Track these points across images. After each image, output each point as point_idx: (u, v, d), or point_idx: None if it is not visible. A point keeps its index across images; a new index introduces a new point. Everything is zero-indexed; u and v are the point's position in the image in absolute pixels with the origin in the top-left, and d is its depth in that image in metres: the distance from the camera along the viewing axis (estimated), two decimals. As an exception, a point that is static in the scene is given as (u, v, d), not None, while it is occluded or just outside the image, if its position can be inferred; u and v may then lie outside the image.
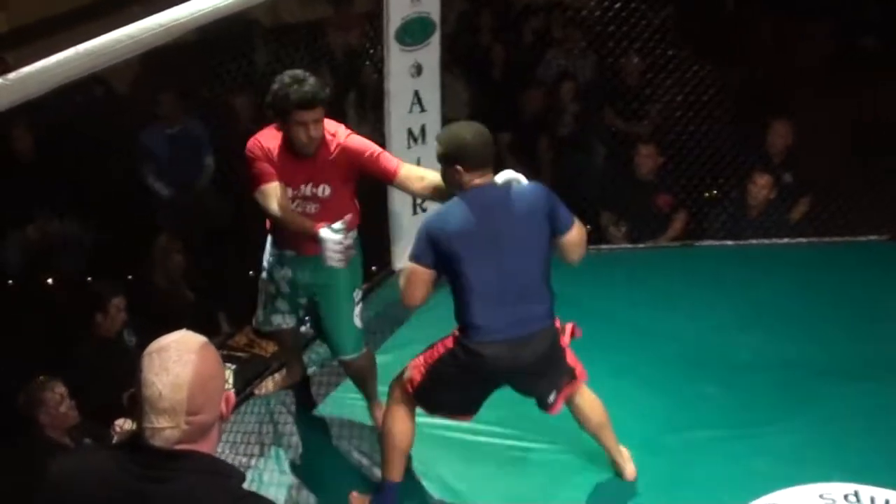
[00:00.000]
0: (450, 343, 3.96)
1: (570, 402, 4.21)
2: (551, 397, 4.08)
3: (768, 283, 6.08)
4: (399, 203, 6.08)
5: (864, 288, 5.99)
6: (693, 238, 6.82)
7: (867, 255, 6.55)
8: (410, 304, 3.97)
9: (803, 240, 6.70)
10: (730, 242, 6.71)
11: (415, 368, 4.06)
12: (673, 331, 5.55)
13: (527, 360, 3.89)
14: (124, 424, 4.94)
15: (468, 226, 3.76)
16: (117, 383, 5.25)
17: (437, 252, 3.79)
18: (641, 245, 6.80)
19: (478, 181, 3.81)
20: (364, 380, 4.78)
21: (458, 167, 3.81)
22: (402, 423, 4.10)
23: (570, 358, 4.08)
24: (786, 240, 6.69)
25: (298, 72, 4.16)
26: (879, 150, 6.86)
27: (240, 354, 5.90)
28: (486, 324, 3.83)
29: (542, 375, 4.02)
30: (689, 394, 5.00)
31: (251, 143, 4.28)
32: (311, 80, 4.11)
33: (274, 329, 4.83)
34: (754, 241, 6.67)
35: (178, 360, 2.16)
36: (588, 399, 4.27)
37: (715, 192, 7.04)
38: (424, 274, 3.83)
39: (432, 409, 4.12)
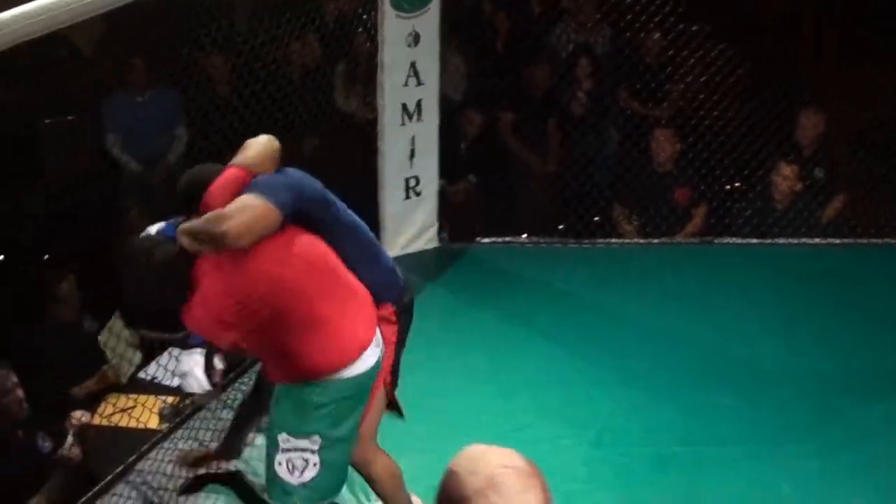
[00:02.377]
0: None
1: None
2: None
3: (796, 286, 6.11)
4: (390, 187, 6.09)
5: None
6: (713, 235, 6.84)
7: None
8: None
9: (836, 240, 6.72)
10: (754, 241, 6.73)
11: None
12: (688, 336, 5.59)
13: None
14: (82, 417, 4.95)
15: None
16: (74, 372, 5.29)
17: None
18: (656, 241, 6.82)
19: None
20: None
21: None
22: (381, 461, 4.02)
23: None
24: (816, 240, 6.71)
25: None
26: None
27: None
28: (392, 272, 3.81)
29: None
30: (704, 405, 5.02)
31: None
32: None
33: None
34: (781, 241, 6.69)
35: (522, 489, 1.89)
36: None
37: (738, 184, 7.05)
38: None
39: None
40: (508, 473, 1.88)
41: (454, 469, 1.90)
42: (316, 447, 3.57)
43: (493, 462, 1.91)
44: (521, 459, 1.93)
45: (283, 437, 3.62)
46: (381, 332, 3.66)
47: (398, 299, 3.79)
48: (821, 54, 7.38)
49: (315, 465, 3.59)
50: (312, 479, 3.61)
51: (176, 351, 5.57)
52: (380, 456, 3.99)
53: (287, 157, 5.72)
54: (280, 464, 3.64)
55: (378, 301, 3.65)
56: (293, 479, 3.61)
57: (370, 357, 3.51)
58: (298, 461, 3.60)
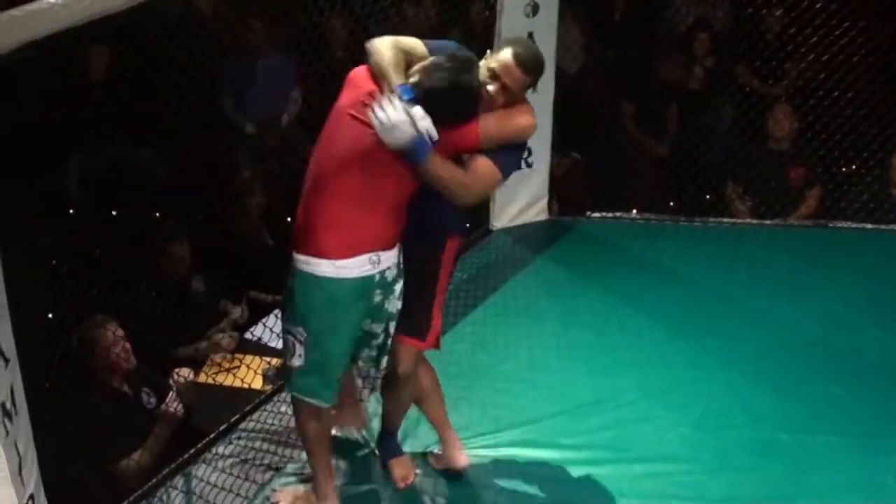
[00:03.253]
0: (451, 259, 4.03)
1: None
2: None
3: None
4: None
5: None
6: (828, 218, 6.70)
7: None
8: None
9: (957, 228, 6.54)
10: (869, 226, 6.58)
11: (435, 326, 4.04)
12: (796, 320, 5.48)
13: None
14: (188, 374, 5.05)
15: None
16: (179, 332, 5.39)
17: None
18: (769, 221, 6.70)
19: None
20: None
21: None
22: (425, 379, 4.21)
23: None
24: (936, 227, 6.54)
25: None
26: None
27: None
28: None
29: None
30: (810, 393, 4.92)
31: None
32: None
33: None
34: (897, 227, 6.54)
35: None
36: None
37: (855, 167, 6.90)
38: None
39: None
40: None
41: None
42: (301, 339, 3.77)
43: None
44: None
45: (281, 315, 3.97)
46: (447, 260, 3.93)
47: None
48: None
49: (300, 356, 3.79)
50: (299, 369, 3.81)
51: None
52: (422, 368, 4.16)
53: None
54: (282, 339, 3.95)
55: (451, 230, 3.92)
56: (287, 361, 3.87)
57: (365, 268, 3.64)
58: (290, 345, 3.82)
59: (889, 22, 7.00)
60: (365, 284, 3.68)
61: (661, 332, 5.37)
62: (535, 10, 5.81)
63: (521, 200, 6.26)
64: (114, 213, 6.33)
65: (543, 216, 6.40)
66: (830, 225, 6.64)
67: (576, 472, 4.40)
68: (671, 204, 6.94)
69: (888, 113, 6.76)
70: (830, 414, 4.79)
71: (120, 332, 4.73)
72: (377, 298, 3.75)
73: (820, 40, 6.84)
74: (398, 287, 3.82)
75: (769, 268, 6.00)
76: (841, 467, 4.44)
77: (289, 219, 6.33)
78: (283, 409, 4.80)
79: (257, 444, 4.65)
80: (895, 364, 5.16)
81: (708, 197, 6.89)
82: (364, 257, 3.64)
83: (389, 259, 3.72)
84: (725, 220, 6.70)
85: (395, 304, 3.84)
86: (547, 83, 5.92)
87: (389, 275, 3.74)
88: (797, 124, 6.83)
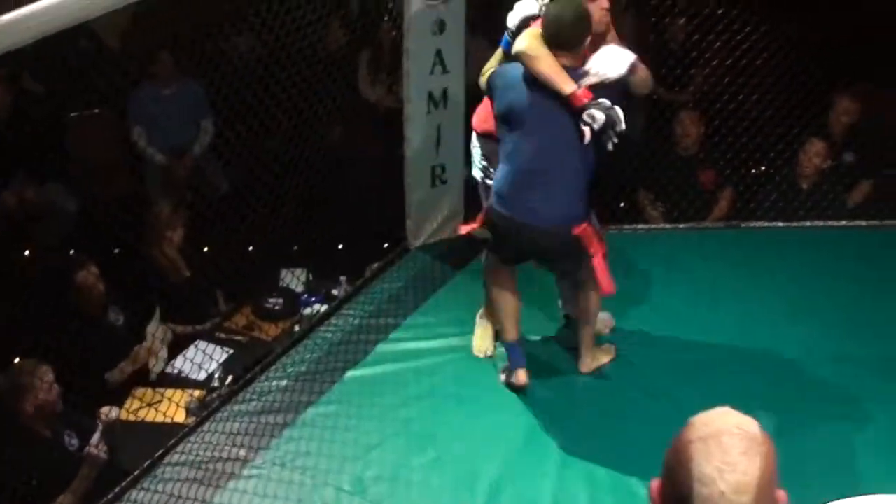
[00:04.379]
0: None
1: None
2: (581, 274, 4.77)
3: (823, 269, 6.03)
4: (416, 175, 6.06)
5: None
6: (740, 219, 6.78)
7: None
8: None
9: (863, 223, 6.64)
10: (781, 224, 6.66)
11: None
12: (714, 321, 5.52)
13: (533, 247, 4.70)
14: (110, 412, 4.96)
15: (522, 91, 4.46)
16: (101, 367, 5.31)
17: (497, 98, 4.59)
18: (682, 225, 6.75)
19: (563, 62, 4.40)
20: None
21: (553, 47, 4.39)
22: (498, 289, 4.88)
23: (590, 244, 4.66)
24: (843, 222, 6.64)
25: None
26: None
27: (238, 338, 5.93)
28: (507, 196, 4.58)
29: (555, 262, 4.92)
30: (731, 391, 4.92)
31: None
32: None
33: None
34: (808, 224, 6.62)
35: (744, 451, 1.86)
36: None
37: (765, 167, 7.00)
38: None
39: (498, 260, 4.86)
40: (738, 434, 1.87)
41: (692, 419, 1.93)
42: None
43: (729, 420, 1.91)
44: (758, 428, 1.91)
45: None
46: None
47: None
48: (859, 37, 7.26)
49: None
50: None
51: (202, 344, 5.61)
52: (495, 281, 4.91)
53: (312, 146, 5.77)
54: None
55: None
56: None
57: None
58: None
59: (788, 25, 7.12)
60: None
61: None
62: (441, 27, 5.81)
63: (438, 217, 6.24)
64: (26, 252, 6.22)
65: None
66: (743, 225, 6.70)
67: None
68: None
69: (792, 112, 6.85)
70: (751, 410, 4.79)
71: (50, 377, 4.64)
72: None
73: (723, 46, 6.90)
74: None
75: (685, 271, 6.05)
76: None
77: (206, 249, 6.35)
78: (208, 439, 4.74)
79: (184, 476, 4.58)
80: (813, 359, 5.24)
81: (623, 204, 6.94)
82: None
83: None
84: (640, 226, 6.74)
85: None
86: (457, 99, 5.94)
87: None
88: (704, 129, 6.91)
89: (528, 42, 4.40)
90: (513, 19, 4.63)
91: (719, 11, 6.78)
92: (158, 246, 6.07)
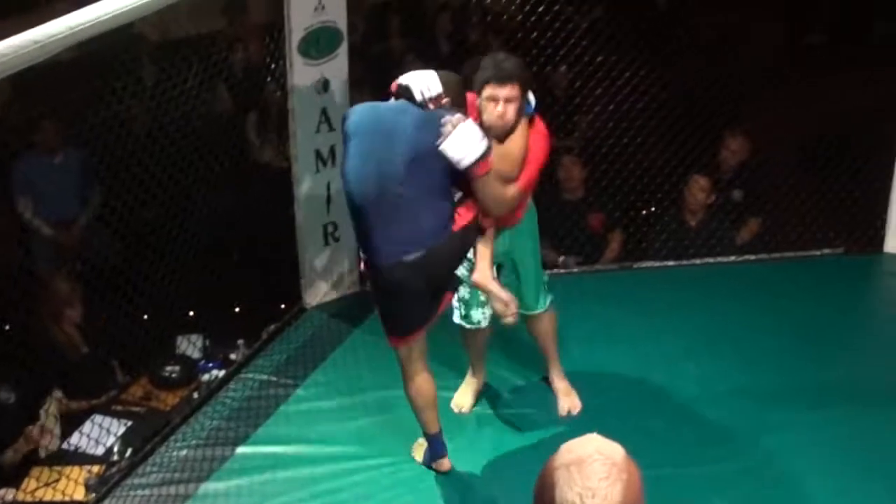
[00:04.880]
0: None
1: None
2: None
3: (715, 305, 6.14)
4: (308, 234, 6.05)
5: (820, 307, 6.09)
6: (632, 260, 6.87)
7: (821, 271, 6.65)
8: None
9: (752, 257, 6.79)
10: (672, 263, 6.77)
11: None
12: (610, 362, 5.58)
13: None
14: (5, 495, 4.83)
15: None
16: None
17: None
18: (576, 270, 6.81)
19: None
20: (549, 337, 5.15)
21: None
22: (412, 384, 4.62)
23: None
24: (732, 258, 6.77)
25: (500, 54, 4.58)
26: (830, 156, 7.01)
27: (135, 409, 5.82)
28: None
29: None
30: (631, 429, 4.94)
31: None
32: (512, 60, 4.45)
33: (473, 327, 4.99)
34: (698, 261, 6.74)
35: (606, 476, 1.90)
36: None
37: (653, 208, 7.11)
38: None
39: (404, 333, 4.52)
40: (599, 459, 1.91)
41: (560, 448, 1.99)
42: None
43: (591, 446, 1.95)
44: (622, 455, 1.94)
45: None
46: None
47: None
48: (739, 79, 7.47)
49: None
50: None
51: (99, 418, 5.49)
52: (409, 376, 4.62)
53: (203, 209, 5.72)
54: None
55: None
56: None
57: None
58: None
59: (665, 69, 7.30)
60: None
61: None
62: (325, 86, 5.83)
63: (332, 275, 6.22)
64: None
65: (355, 289, 6.36)
66: (635, 266, 6.80)
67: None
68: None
69: (675, 154, 7.00)
70: (653, 447, 4.83)
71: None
72: None
73: (604, 92, 7.06)
74: None
75: (580, 314, 6.08)
76: (666, 499, 4.50)
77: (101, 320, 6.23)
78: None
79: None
80: (709, 395, 5.31)
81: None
82: None
83: None
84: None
85: None
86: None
87: None
88: (586, 172, 7.00)
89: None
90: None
91: (598, 59, 6.91)
92: (56, 323, 5.94)
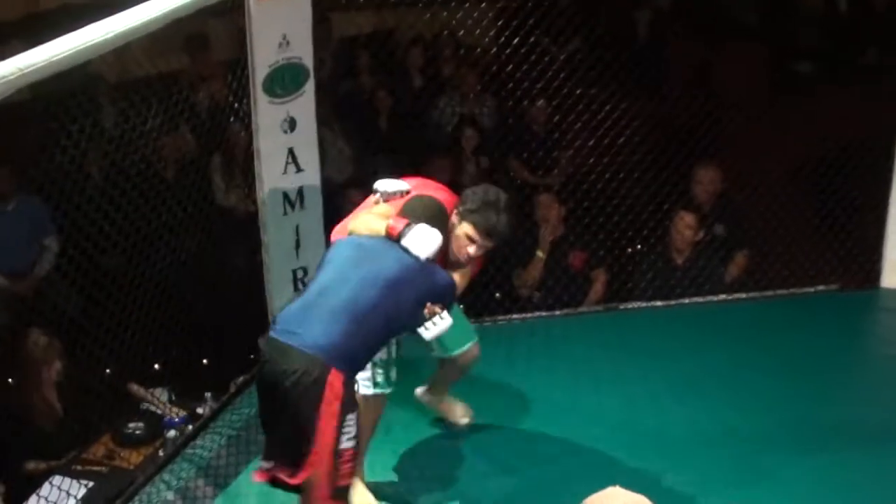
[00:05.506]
0: None
1: None
2: (266, 465, 4.09)
3: (704, 346, 6.24)
4: (277, 280, 6.08)
5: (815, 346, 6.18)
6: (617, 301, 6.94)
7: (815, 308, 6.76)
8: None
9: (742, 295, 6.87)
10: (659, 303, 6.84)
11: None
12: (598, 408, 5.64)
13: (271, 377, 3.98)
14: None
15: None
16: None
17: None
18: (558, 312, 6.86)
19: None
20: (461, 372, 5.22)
21: None
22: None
23: (323, 432, 3.97)
24: (722, 296, 6.85)
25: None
26: (820, 189, 7.10)
27: (97, 469, 5.80)
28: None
29: (277, 418, 4.04)
30: (620, 479, 4.99)
31: None
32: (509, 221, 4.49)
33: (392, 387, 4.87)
34: (686, 300, 6.82)
35: None
36: None
37: (639, 246, 7.17)
38: None
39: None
40: None
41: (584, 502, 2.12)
42: None
43: (618, 501, 2.10)
44: None
45: None
46: None
47: None
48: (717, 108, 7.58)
49: None
50: None
51: (58, 479, 5.47)
52: None
53: (166, 256, 5.74)
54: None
55: None
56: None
57: None
58: None
59: (648, 100, 7.39)
60: None
61: (456, 434, 5.45)
62: (292, 125, 5.87)
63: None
64: None
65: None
66: (621, 307, 6.86)
67: None
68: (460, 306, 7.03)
69: (660, 191, 7.08)
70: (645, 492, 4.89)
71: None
72: None
73: (584, 126, 7.14)
74: None
75: (565, 358, 6.16)
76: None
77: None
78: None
79: None
80: (700, 438, 5.36)
81: (497, 295, 7.02)
82: None
83: None
84: (515, 315, 6.84)
85: None
86: (314, 198, 6.00)
87: None
88: (564, 209, 7.02)
89: None
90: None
91: (578, 91, 6.99)
92: (35, 388, 5.91)
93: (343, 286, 4.02)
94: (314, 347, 3.92)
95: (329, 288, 4.05)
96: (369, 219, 4.34)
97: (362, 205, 4.61)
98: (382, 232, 4.20)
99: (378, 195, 4.49)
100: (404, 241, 4.14)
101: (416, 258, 4.12)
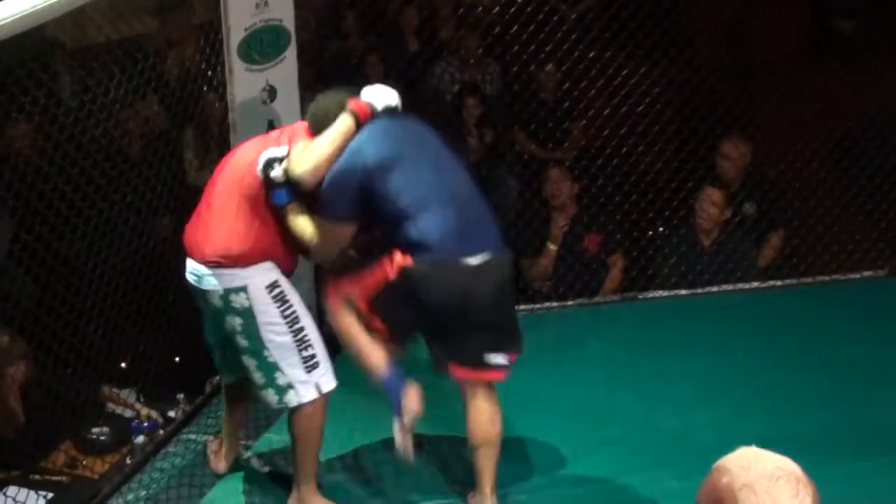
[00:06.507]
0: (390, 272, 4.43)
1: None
2: (495, 358, 4.53)
3: (734, 341, 6.18)
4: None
5: (858, 340, 6.11)
6: (636, 289, 6.89)
7: (860, 297, 6.72)
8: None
9: (777, 282, 6.84)
10: (684, 291, 6.80)
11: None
12: (616, 411, 5.61)
13: (485, 290, 4.40)
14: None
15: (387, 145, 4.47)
16: None
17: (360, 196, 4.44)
18: (571, 302, 6.82)
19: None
20: None
21: None
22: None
23: None
24: (755, 284, 6.81)
25: None
26: (866, 162, 7.05)
27: (57, 478, 5.79)
28: (439, 237, 4.34)
29: (494, 320, 4.52)
30: (642, 489, 5.02)
31: None
32: None
33: None
34: (714, 288, 6.77)
35: (795, 494, 2.20)
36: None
37: (661, 228, 7.13)
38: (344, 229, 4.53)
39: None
40: (784, 476, 2.18)
41: (724, 464, 2.27)
42: None
43: (770, 463, 2.24)
44: (798, 468, 2.23)
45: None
46: None
47: None
48: (750, 72, 7.51)
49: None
50: None
51: (13, 490, 5.46)
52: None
53: (132, 241, 5.70)
54: None
55: None
56: None
57: None
58: None
59: (671, 64, 7.31)
60: None
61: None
62: (272, 95, 5.83)
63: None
64: None
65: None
66: (640, 296, 6.83)
67: None
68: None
69: (685, 164, 7.02)
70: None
71: None
72: None
73: (599, 93, 7.07)
74: None
75: (578, 353, 6.13)
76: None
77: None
78: None
79: None
80: (729, 444, 5.26)
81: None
82: None
83: None
84: (523, 306, 6.78)
85: None
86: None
87: None
88: (577, 184, 6.99)
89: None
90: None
91: (591, 55, 6.92)
92: None
93: (452, 176, 4.49)
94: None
95: (452, 188, 4.44)
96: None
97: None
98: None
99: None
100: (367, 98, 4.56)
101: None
